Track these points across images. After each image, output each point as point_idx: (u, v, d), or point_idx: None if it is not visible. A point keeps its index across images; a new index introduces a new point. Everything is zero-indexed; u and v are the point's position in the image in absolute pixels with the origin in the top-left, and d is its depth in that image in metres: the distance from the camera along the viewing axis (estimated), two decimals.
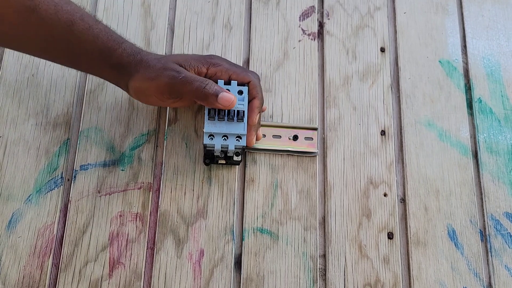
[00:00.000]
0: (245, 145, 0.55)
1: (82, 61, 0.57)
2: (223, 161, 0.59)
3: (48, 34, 0.54)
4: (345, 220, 0.60)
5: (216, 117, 0.54)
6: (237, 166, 0.61)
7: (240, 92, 0.55)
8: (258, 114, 0.57)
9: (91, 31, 0.54)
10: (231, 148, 0.54)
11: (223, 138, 0.54)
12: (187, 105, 0.62)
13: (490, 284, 0.58)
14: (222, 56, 0.66)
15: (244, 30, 0.68)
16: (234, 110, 0.54)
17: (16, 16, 0.52)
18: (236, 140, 0.54)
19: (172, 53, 0.66)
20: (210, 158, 0.59)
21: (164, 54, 0.66)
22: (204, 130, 0.54)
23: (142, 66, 0.54)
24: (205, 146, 0.54)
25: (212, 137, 0.54)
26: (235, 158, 0.56)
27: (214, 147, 0.54)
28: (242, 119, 0.54)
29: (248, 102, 0.56)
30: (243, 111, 0.55)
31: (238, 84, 0.56)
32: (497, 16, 0.72)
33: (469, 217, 0.61)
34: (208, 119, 0.54)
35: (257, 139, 0.60)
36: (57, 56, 0.57)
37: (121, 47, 0.55)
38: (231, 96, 0.53)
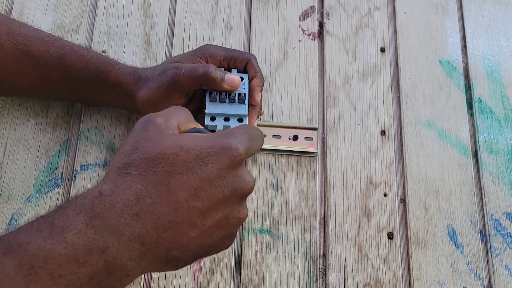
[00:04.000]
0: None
1: (81, 91, 0.57)
2: None
3: (42, 71, 0.55)
4: (345, 220, 0.60)
5: (218, 99, 0.55)
6: None
7: (241, 78, 0.56)
8: (260, 93, 0.57)
9: (83, 59, 0.55)
10: None
11: (225, 119, 0.55)
12: (198, 105, 0.60)
13: (490, 284, 0.58)
14: None
15: (244, 30, 0.68)
16: (236, 93, 0.55)
17: (10, 60, 0.54)
18: (238, 121, 0.55)
19: (172, 53, 0.66)
20: None
21: (163, 55, 0.66)
22: (206, 111, 0.54)
23: (142, 82, 0.55)
24: (206, 128, 0.54)
25: (213, 119, 0.54)
26: None
27: (215, 129, 0.54)
28: (243, 101, 0.55)
29: (249, 83, 0.57)
30: (244, 94, 0.56)
31: (238, 69, 0.57)
32: (497, 16, 0.72)
33: (469, 217, 0.61)
34: (210, 101, 0.55)
35: (260, 115, 0.61)
36: (55, 92, 0.58)
37: (116, 68, 0.56)
38: (236, 77, 0.55)
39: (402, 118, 0.65)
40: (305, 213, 0.60)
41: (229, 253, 0.57)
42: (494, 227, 0.61)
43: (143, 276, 0.56)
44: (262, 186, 0.61)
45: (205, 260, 0.57)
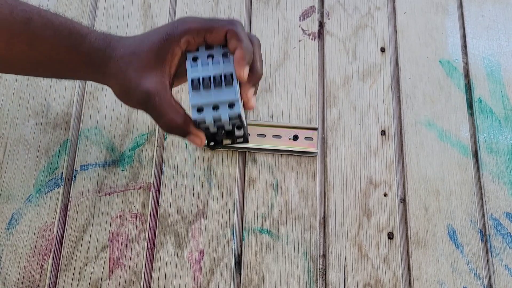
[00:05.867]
0: (240, 112, 0.46)
1: (47, 64, 0.49)
2: (228, 141, 0.52)
3: (5, 37, 0.47)
4: (345, 220, 0.60)
5: (201, 86, 0.46)
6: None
7: (225, 54, 0.47)
8: (246, 67, 0.46)
9: (51, 25, 0.47)
10: (225, 118, 0.46)
11: (214, 108, 0.46)
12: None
13: (490, 284, 0.58)
14: None
15: None
16: (221, 75, 0.46)
17: None
18: (229, 107, 0.46)
19: None
20: (213, 140, 0.51)
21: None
22: (190, 103, 0.46)
23: (112, 74, 0.47)
24: (195, 122, 0.47)
25: (201, 110, 0.46)
26: (237, 132, 0.49)
27: (205, 121, 0.46)
28: (231, 83, 0.46)
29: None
30: (231, 74, 0.46)
31: (218, 42, 0.48)
32: (497, 16, 0.72)
33: (469, 217, 0.61)
34: (193, 90, 0.46)
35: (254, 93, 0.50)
36: (19, 64, 0.50)
37: (88, 39, 0.48)
38: (197, 141, 0.48)
39: (402, 118, 0.65)
40: (305, 213, 0.60)
41: (229, 253, 0.57)
42: (494, 227, 0.61)
43: (143, 276, 0.56)
44: (262, 186, 0.61)
45: (205, 260, 0.57)
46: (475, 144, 0.65)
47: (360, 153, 0.63)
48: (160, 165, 0.61)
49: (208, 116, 0.46)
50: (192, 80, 0.47)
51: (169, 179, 0.60)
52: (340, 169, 0.62)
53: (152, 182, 0.60)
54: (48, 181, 0.59)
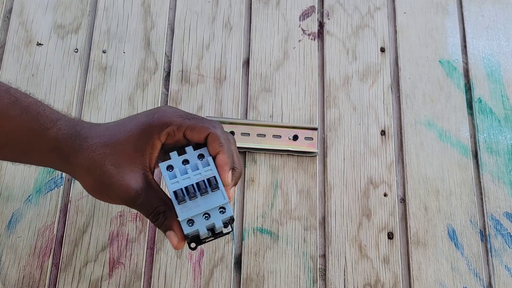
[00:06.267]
0: (232, 214, 0.44)
1: (10, 146, 0.45)
2: (212, 238, 0.46)
3: None
4: (345, 220, 0.60)
5: (187, 198, 0.43)
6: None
7: (201, 156, 0.45)
8: (230, 173, 0.44)
9: (19, 104, 0.44)
10: (219, 224, 0.43)
11: (205, 217, 0.43)
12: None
13: (490, 284, 0.58)
14: (222, 56, 0.66)
15: (244, 30, 0.68)
16: (204, 180, 0.44)
17: None
18: (220, 212, 0.44)
19: (172, 53, 0.66)
20: (195, 241, 0.46)
21: (163, 55, 0.66)
22: (180, 219, 0.42)
23: (83, 168, 0.44)
24: (187, 236, 0.43)
25: (192, 222, 0.43)
26: (225, 230, 0.45)
27: (199, 233, 0.43)
28: (217, 187, 0.43)
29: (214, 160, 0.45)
30: (214, 177, 0.44)
31: (196, 144, 0.46)
32: (497, 16, 0.72)
33: (469, 217, 0.61)
34: (179, 204, 0.43)
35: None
36: None
37: (57, 126, 0.44)
38: (174, 241, 0.44)
39: (402, 118, 0.65)
40: (305, 213, 0.60)
41: (229, 253, 0.57)
42: (494, 227, 0.61)
43: (143, 276, 0.56)
44: (262, 186, 0.61)
45: (205, 260, 0.57)
46: (475, 144, 0.65)
47: (360, 153, 0.63)
48: None
49: (201, 228, 0.43)
50: (175, 193, 0.43)
51: None
52: (340, 169, 0.62)
53: None
54: (48, 181, 0.59)
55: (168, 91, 0.64)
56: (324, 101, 0.65)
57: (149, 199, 0.44)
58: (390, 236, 0.59)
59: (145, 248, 0.57)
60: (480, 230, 0.60)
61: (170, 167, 0.45)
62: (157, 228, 0.58)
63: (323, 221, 0.60)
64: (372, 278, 0.57)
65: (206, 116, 0.62)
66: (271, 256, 0.58)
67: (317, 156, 0.62)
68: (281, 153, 0.62)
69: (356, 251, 0.58)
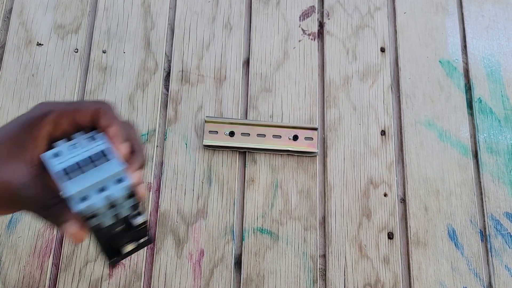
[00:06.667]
0: (131, 182, 0.36)
1: None
2: (132, 245, 0.41)
3: None
4: (345, 220, 0.60)
5: (75, 174, 0.37)
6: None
7: (92, 138, 0.39)
8: (125, 143, 0.40)
9: None
10: (119, 193, 0.36)
11: (101, 190, 0.36)
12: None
13: (490, 284, 0.58)
14: (223, 56, 0.66)
15: (244, 30, 0.68)
16: (94, 153, 0.37)
17: None
18: (119, 182, 0.36)
19: (172, 53, 0.66)
20: (111, 245, 0.40)
21: (163, 55, 0.66)
22: (65, 195, 0.35)
23: None
24: (81, 214, 0.35)
25: (84, 198, 0.36)
26: (135, 221, 0.39)
27: (96, 209, 0.36)
28: (111, 156, 0.37)
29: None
30: (108, 147, 0.38)
31: (85, 128, 0.40)
32: (497, 16, 0.72)
33: (469, 217, 0.61)
34: (62, 183, 0.36)
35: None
36: None
37: None
38: (76, 233, 0.37)
39: (402, 118, 0.65)
40: (305, 213, 0.60)
41: (229, 253, 0.57)
42: (494, 227, 0.61)
43: (143, 276, 0.56)
44: (262, 186, 0.61)
45: (205, 260, 0.57)
46: (475, 144, 0.65)
47: (360, 153, 0.63)
48: (160, 165, 0.61)
49: (98, 201, 0.36)
50: (56, 174, 0.36)
51: (169, 179, 0.60)
52: (340, 169, 0.62)
53: (152, 182, 0.60)
54: None
55: (168, 91, 0.64)
56: (324, 101, 0.65)
57: (38, 194, 0.39)
58: (390, 236, 0.59)
59: (145, 248, 0.57)
60: (480, 230, 0.60)
61: (57, 155, 0.38)
62: (157, 228, 0.58)
63: (323, 221, 0.60)
64: (372, 278, 0.57)
65: (206, 116, 0.62)
66: (271, 256, 0.58)
67: (317, 156, 0.62)
68: (281, 153, 0.62)
69: (356, 251, 0.58)
